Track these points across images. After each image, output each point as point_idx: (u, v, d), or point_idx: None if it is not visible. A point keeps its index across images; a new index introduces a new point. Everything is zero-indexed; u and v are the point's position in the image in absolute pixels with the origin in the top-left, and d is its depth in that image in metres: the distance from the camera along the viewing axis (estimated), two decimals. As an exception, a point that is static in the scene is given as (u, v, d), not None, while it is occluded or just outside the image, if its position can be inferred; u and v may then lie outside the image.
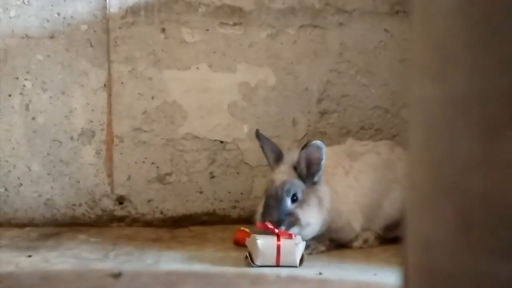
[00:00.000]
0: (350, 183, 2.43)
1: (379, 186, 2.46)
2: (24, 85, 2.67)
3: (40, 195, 2.71)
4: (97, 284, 2.07)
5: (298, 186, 2.28)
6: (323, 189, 2.33)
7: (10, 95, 2.67)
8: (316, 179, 2.30)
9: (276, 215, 2.23)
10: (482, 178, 0.77)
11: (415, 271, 0.90)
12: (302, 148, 2.29)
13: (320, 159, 2.27)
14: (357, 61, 2.80)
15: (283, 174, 2.30)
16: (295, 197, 2.27)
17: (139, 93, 2.72)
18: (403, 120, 2.83)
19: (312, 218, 2.28)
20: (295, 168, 2.30)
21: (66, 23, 2.66)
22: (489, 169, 0.76)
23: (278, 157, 2.38)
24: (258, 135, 2.44)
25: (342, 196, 2.39)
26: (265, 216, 2.24)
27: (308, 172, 2.29)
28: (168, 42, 2.71)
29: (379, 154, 2.52)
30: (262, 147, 2.42)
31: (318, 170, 2.29)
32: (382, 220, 2.45)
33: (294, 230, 2.24)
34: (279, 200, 2.24)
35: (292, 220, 2.24)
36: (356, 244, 2.44)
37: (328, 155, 2.44)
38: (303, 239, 2.23)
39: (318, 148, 2.26)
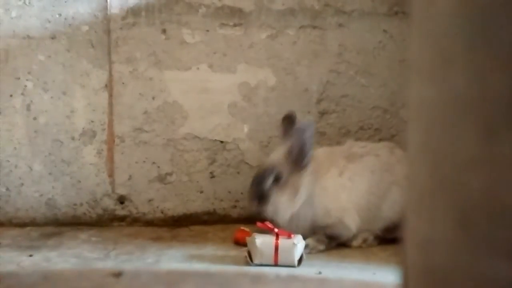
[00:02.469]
0: (343, 183, 2.45)
1: (377, 188, 2.46)
2: (25, 86, 2.68)
3: (41, 195, 2.72)
4: (98, 283, 2.07)
5: (284, 170, 2.37)
6: (303, 181, 2.39)
7: (11, 96, 2.68)
8: (305, 162, 2.37)
9: (254, 187, 2.38)
10: (482, 177, 0.77)
11: (414, 270, 0.91)
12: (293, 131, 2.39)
13: (310, 138, 2.35)
14: (356, 62, 2.81)
15: (274, 158, 2.42)
16: (277, 178, 2.36)
17: (140, 94, 2.73)
18: (402, 120, 2.84)
19: (280, 204, 2.36)
20: (289, 153, 2.39)
21: (67, 24, 2.67)
22: (489, 169, 0.76)
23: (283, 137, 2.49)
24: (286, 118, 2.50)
25: (331, 194, 2.43)
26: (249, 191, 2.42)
27: (299, 155, 2.36)
28: (169, 42, 2.72)
29: (378, 157, 2.52)
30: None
31: (309, 150, 2.36)
32: (381, 223, 2.45)
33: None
34: (262, 177, 2.37)
35: (265, 198, 2.35)
36: (355, 243, 2.45)
37: (325, 154, 2.48)
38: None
39: (308, 126, 2.36)
